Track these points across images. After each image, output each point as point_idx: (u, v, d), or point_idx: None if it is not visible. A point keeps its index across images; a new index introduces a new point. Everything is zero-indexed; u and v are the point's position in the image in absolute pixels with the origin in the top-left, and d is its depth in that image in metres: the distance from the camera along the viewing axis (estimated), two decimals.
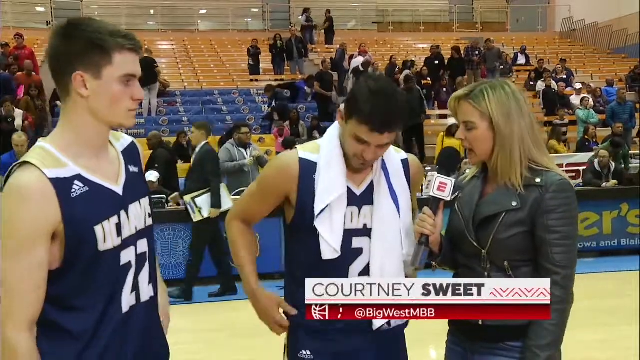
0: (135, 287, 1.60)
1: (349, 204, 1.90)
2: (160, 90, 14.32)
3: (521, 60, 17.86)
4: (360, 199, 1.93)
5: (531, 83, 15.58)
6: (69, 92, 1.52)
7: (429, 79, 14.58)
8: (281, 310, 2.01)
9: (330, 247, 1.87)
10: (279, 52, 16.06)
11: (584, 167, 9.33)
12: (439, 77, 14.74)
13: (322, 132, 11.94)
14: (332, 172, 1.89)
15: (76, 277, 1.49)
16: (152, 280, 1.67)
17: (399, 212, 1.94)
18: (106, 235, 1.51)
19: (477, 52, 15.74)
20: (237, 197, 7.43)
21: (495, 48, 16.33)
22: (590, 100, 13.66)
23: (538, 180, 1.83)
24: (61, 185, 1.46)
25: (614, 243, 8.26)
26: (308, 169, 1.91)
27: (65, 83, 1.51)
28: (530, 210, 1.82)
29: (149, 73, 13.25)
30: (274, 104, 13.05)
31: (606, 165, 8.95)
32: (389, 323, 1.96)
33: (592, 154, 9.65)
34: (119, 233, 1.54)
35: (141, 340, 1.62)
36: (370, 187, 1.95)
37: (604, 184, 8.78)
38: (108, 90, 1.51)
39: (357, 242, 1.92)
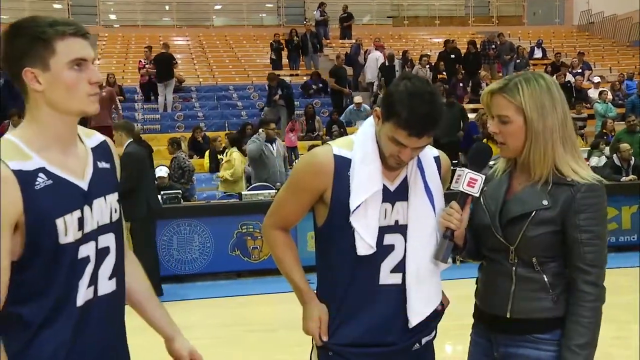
0: (94, 281, 1.60)
1: (383, 200, 1.89)
2: (175, 85, 14.38)
3: (537, 54, 17.69)
4: (394, 195, 1.91)
5: None
6: (26, 90, 1.54)
7: (444, 73, 14.49)
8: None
9: (365, 243, 1.86)
10: (294, 47, 16.05)
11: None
12: (454, 72, 14.64)
13: (341, 127, 11.98)
14: (368, 168, 1.87)
15: (35, 268, 1.50)
16: (117, 275, 1.67)
17: (434, 209, 1.92)
18: (67, 228, 1.52)
19: (493, 46, 15.62)
20: (259, 191, 7.53)
21: (508, 42, 16.21)
22: (609, 93, 13.49)
23: (569, 179, 1.81)
24: (24, 178, 1.47)
25: (634, 238, 8.17)
26: (343, 165, 1.89)
27: (21, 82, 1.53)
28: (561, 209, 1.80)
29: (166, 69, 13.31)
30: (279, 92, 12.92)
31: (626, 160, 8.85)
32: (420, 342, 1.96)
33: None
34: (81, 227, 1.55)
35: (101, 334, 1.62)
36: (404, 183, 1.93)
37: (623, 178, 8.68)
38: (60, 79, 1.52)
39: (389, 239, 1.90)
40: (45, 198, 1.49)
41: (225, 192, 8.81)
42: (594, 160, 9.84)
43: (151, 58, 13.68)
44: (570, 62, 15.99)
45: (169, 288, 6.75)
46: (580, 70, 15.58)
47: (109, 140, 1.74)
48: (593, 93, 14.07)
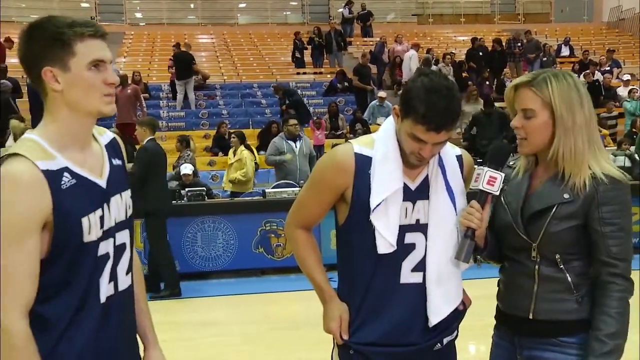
0: (114, 277, 1.63)
1: (404, 199, 1.88)
2: (200, 83, 14.48)
3: (565, 52, 17.44)
4: (415, 194, 1.90)
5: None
6: (45, 90, 1.56)
7: (467, 72, 14.36)
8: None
9: (386, 242, 1.85)
10: (318, 46, 16.05)
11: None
12: (481, 69, 14.50)
13: (364, 125, 11.95)
14: (389, 167, 1.87)
15: (60, 267, 1.52)
16: (131, 269, 1.72)
17: (455, 208, 1.91)
18: (91, 227, 1.54)
19: (519, 44, 15.43)
20: (282, 189, 7.54)
21: (534, 40, 16.00)
22: (639, 91, 13.24)
23: (594, 171, 1.79)
24: (52, 177, 1.49)
25: None
26: (364, 163, 1.89)
27: (40, 82, 1.55)
28: (583, 202, 1.78)
29: (185, 67, 13.36)
30: (287, 101, 12.92)
31: None
32: (441, 342, 1.95)
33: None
34: (102, 225, 1.58)
35: (121, 327, 1.66)
36: (425, 182, 1.92)
37: None
38: (79, 79, 1.54)
39: (409, 238, 1.89)
40: (71, 197, 1.51)
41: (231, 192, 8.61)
42: (620, 160, 9.66)
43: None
44: (599, 59, 15.72)
45: (193, 285, 6.80)
46: (608, 68, 15.31)
47: (117, 136, 1.77)
48: (622, 91, 13.82)
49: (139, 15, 22.58)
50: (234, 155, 8.89)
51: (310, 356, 4.51)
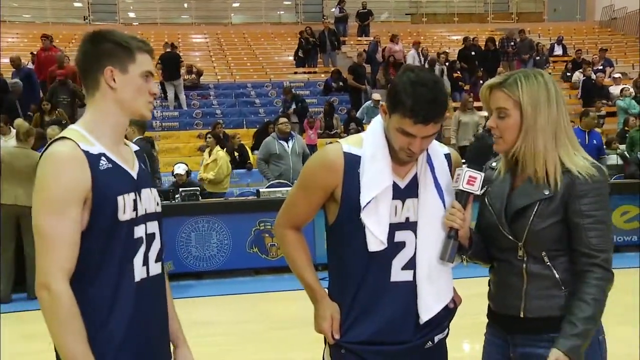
0: (146, 262, 1.78)
1: (393, 197, 1.89)
2: (194, 83, 14.45)
3: (558, 51, 17.51)
4: (405, 192, 1.91)
5: (568, 74, 15.23)
6: (98, 86, 1.77)
7: (459, 72, 14.37)
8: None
9: (376, 239, 1.86)
10: (312, 45, 16.03)
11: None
12: (474, 69, 14.53)
13: (359, 124, 11.95)
14: (378, 165, 1.88)
15: (98, 241, 1.67)
16: (161, 259, 1.86)
17: (444, 206, 1.92)
18: (126, 206, 1.71)
19: (512, 43, 15.47)
20: (276, 188, 7.54)
21: (527, 39, 16.04)
22: (631, 89, 13.30)
23: (567, 166, 1.81)
24: (91, 158, 1.69)
25: None
26: (353, 162, 1.90)
27: (96, 78, 1.76)
28: (562, 196, 1.80)
29: (173, 68, 13.26)
30: (294, 105, 12.95)
31: None
32: (432, 340, 1.96)
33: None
34: (135, 208, 1.75)
35: (154, 310, 1.81)
36: (414, 180, 1.93)
37: None
38: (133, 83, 1.77)
39: (399, 236, 1.90)
40: (108, 178, 1.69)
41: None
42: (612, 159, 9.70)
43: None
44: (592, 58, 15.78)
45: (187, 285, 6.79)
46: (601, 67, 15.37)
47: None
48: (614, 90, 13.89)
49: (132, 14, 22.51)
50: (209, 156, 8.98)
51: (306, 355, 4.51)
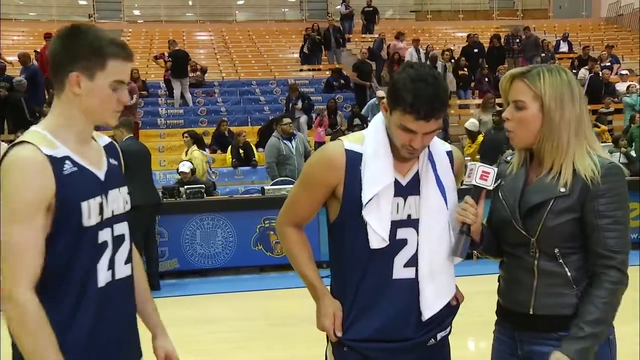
0: (112, 266, 1.73)
1: (395, 195, 1.88)
2: (198, 80, 14.45)
3: (563, 48, 17.41)
4: (406, 190, 1.91)
5: (574, 71, 15.15)
6: (63, 88, 1.68)
7: (465, 70, 14.32)
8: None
9: (378, 237, 1.86)
10: (317, 42, 16.01)
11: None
12: (478, 66, 14.47)
13: (363, 121, 11.92)
14: (379, 162, 1.87)
15: (62, 247, 1.63)
16: (131, 261, 1.82)
17: (446, 203, 1.91)
18: (91, 211, 1.66)
19: (517, 40, 15.41)
20: (281, 186, 7.54)
21: (533, 37, 15.96)
22: (638, 86, 13.23)
23: (587, 164, 1.78)
24: (55, 162, 1.62)
25: None
26: (354, 160, 1.89)
27: (62, 80, 1.67)
28: (579, 195, 1.78)
29: (181, 66, 13.30)
30: (299, 103, 12.89)
31: None
32: (435, 337, 1.95)
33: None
34: (100, 212, 1.69)
35: (120, 314, 1.76)
36: (416, 177, 1.92)
37: None
38: (98, 92, 1.68)
39: (401, 233, 1.89)
40: (72, 183, 1.63)
41: None
42: (615, 157, 9.66)
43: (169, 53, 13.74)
44: (599, 55, 15.71)
45: (192, 282, 6.81)
46: (608, 64, 15.30)
47: (114, 141, 1.89)
48: (621, 86, 13.82)
49: (137, 12, 22.55)
50: (185, 155, 9.04)
51: (310, 352, 4.50)
